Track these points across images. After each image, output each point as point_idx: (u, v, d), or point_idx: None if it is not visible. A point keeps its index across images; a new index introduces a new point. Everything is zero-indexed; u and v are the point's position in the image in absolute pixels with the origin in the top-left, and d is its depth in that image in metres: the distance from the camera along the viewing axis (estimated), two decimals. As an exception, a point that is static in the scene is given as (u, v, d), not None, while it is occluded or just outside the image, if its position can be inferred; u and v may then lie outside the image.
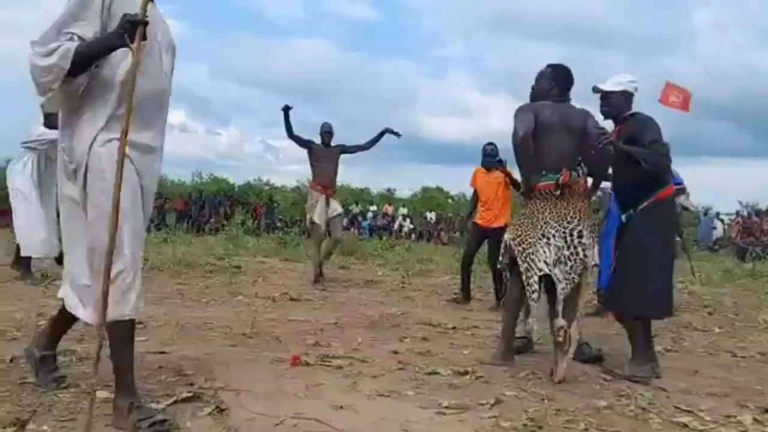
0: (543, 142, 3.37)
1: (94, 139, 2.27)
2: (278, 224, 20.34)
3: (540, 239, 3.31)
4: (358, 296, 6.39)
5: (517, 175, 6.12)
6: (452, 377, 3.19)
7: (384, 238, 18.75)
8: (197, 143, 55.99)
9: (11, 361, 3.04)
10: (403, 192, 34.17)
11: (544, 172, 3.37)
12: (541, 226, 3.32)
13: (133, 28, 2.14)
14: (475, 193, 6.43)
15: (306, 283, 7.08)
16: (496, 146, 6.29)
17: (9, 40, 56.86)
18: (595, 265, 3.47)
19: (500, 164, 5.95)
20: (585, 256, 3.29)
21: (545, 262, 3.29)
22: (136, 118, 2.26)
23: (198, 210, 20.51)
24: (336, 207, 7.20)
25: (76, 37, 2.20)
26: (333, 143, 7.17)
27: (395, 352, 3.72)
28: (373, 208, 25.81)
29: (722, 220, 20.57)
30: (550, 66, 3.66)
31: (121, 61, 2.28)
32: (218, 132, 60.99)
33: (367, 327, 4.63)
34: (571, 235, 3.29)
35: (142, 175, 2.38)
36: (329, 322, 4.72)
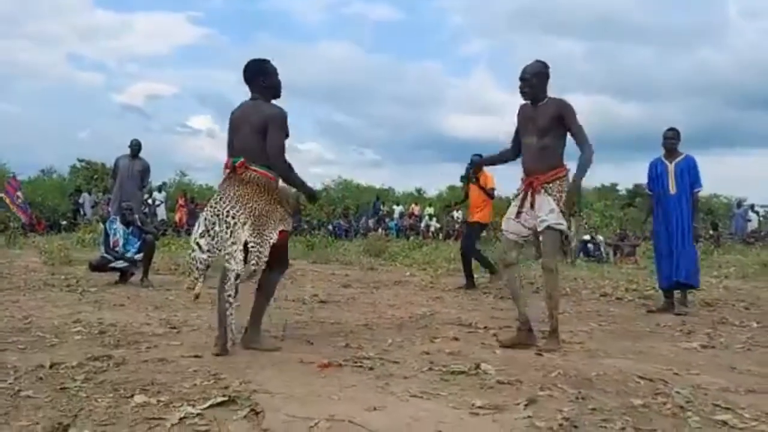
0: (231, 136, 3.81)
1: None
2: (305, 226, 20.44)
3: (204, 212, 3.74)
4: (387, 297, 6.40)
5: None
6: (484, 377, 3.18)
7: (411, 238, 18.73)
8: (224, 147, 56.53)
9: (51, 367, 3.11)
10: (431, 191, 34.04)
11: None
12: (210, 204, 3.72)
13: None
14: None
15: (335, 285, 7.10)
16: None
17: (41, 52, 58.20)
18: None
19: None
20: (232, 234, 3.57)
21: (198, 233, 3.64)
22: None
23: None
24: (546, 208, 3.91)
25: None
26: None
27: (426, 353, 3.72)
28: (400, 208, 25.78)
29: (757, 212, 20.12)
30: None
31: None
32: (245, 137, 61.15)
33: (397, 328, 4.63)
34: (226, 214, 3.58)
35: None
36: (359, 324, 4.74)
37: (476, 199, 7.63)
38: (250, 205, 3.62)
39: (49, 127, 52.65)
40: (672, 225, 5.76)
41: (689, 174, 5.78)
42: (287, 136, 3.74)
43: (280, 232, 3.72)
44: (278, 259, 3.77)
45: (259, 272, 3.70)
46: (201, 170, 67.24)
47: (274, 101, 3.82)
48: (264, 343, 3.82)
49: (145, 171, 8.15)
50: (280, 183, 3.80)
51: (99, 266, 6.79)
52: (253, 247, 3.62)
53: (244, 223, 3.59)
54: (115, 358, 3.34)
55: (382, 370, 3.28)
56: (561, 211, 3.87)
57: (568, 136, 3.95)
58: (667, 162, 5.87)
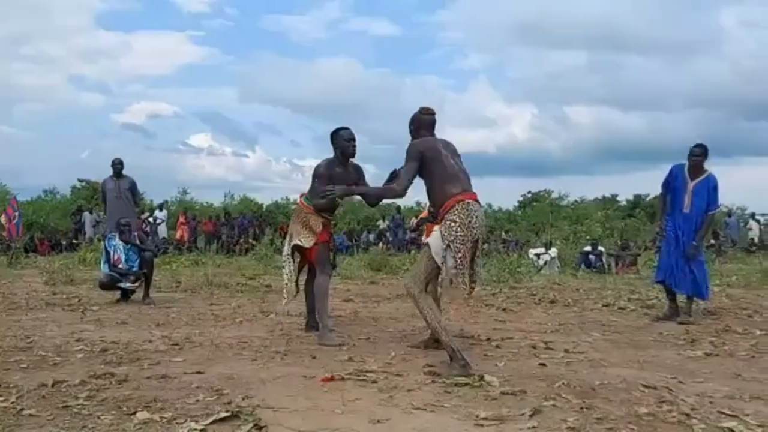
0: None
1: None
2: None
3: None
4: (389, 311, 6.38)
5: None
6: (488, 389, 3.16)
7: (413, 251, 18.70)
8: (225, 166, 56.71)
9: (53, 385, 3.10)
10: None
11: None
12: None
13: None
14: None
15: (336, 299, 7.09)
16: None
17: (42, 73, 58.58)
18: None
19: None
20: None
21: None
22: None
23: (228, 231, 20.71)
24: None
25: None
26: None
27: (429, 365, 3.70)
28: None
29: (758, 221, 20.12)
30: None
31: None
32: (245, 154, 61.48)
33: (399, 341, 4.62)
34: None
35: None
36: (362, 338, 4.72)
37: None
38: (290, 225, 4.85)
39: (51, 148, 52.70)
40: (681, 238, 5.75)
41: (707, 195, 5.68)
42: (320, 177, 4.61)
43: (310, 246, 4.62)
44: (317, 265, 4.67)
45: (287, 278, 4.73)
46: (202, 188, 67.34)
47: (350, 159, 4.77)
48: (325, 339, 4.45)
49: (133, 187, 8.15)
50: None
51: (108, 284, 6.77)
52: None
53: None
54: (117, 376, 3.33)
55: (386, 383, 3.27)
56: (442, 238, 3.68)
57: (441, 170, 3.83)
58: (688, 178, 5.75)
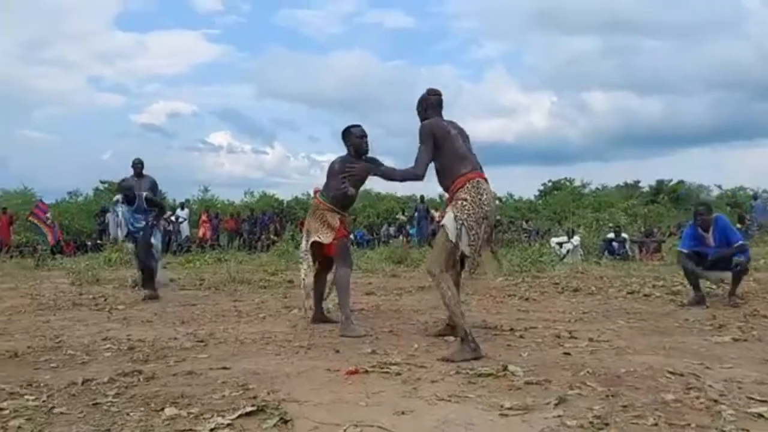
0: None
1: None
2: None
3: None
4: (411, 303, 6.39)
5: None
6: (512, 379, 3.15)
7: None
8: (244, 163, 57.16)
9: (83, 383, 3.16)
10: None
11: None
12: None
13: None
14: None
15: (358, 293, 7.11)
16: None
17: (62, 77, 59.39)
18: None
19: None
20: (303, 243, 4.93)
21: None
22: None
23: (249, 228, 20.86)
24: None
25: None
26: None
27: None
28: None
29: (785, 203, 19.75)
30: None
31: None
32: (264, 150, 61.84)
33: (422, 333, 4.62)
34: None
35: None
36: (384, 330, 4.73)
37: None
38: (307, 222, 4.88)
39: (73, 150, 53.71)
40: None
41: (726, 236, 5.86)
42: (335, 175, 4.65)
43: (329, 242, 4.68)
44: (337, 259, 4.75)
45: (304, 273, 4.81)
46: (222, 186, 67.98)
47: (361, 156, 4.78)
48: (349, 330, 4.53)
49: (154, 186, 8.24)
50: None
51: (143, 256, 7.19)
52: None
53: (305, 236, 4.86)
54: (144, 373, 3.38)
55: (409, 374, 3.27)
56: (455, 218, 3.76)
57: (451, 150, 3.92)
58: (702, 233, 5.98)
